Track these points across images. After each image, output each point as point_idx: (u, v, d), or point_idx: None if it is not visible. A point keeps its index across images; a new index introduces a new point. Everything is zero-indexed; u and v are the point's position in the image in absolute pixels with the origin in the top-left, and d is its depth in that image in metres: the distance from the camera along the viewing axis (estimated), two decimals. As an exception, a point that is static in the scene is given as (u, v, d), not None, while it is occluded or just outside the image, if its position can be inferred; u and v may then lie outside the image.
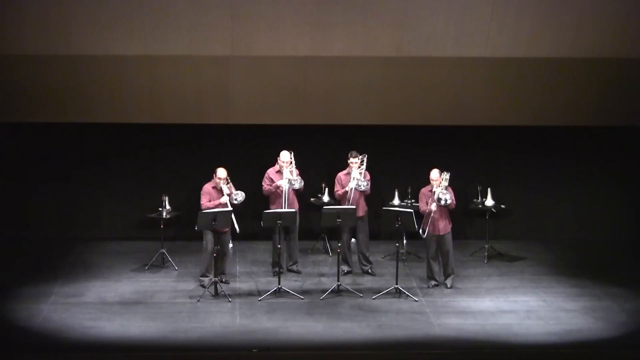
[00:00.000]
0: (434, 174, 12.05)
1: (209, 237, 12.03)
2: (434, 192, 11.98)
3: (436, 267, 12.25)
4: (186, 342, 10.57)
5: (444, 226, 12.11)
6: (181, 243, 13.43)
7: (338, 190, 12.53)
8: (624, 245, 14.02)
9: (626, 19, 12.67)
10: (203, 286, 12.07)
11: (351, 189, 12.34)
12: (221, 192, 12.08)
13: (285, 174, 12.28)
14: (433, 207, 11.95)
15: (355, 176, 12.30)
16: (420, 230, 12.00)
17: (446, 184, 11.97)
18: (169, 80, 13.07)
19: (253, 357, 10.35)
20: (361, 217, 12.55)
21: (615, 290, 12.13)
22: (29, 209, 13.91)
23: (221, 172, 12.08)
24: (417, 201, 13.18)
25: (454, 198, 12.04)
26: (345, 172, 12.57)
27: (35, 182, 13.84)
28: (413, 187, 13.35)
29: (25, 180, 13.83)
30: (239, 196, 12.07)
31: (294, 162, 12.38)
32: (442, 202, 11.88)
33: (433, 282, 12.26)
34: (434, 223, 12.08)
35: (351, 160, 12.42)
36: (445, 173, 12.00)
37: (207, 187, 12.16)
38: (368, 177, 12.46)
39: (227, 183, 12.11)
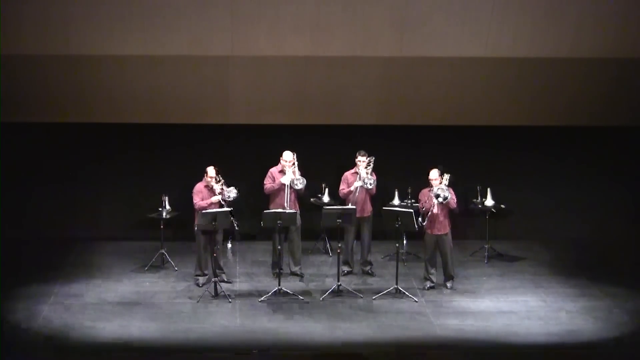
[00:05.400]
0: (433, 173, 12.02)
1: (201, 236, 12.04)
2: (432, 189, 11.96)
3: (433, 269, 12.22)
4: (186, 342, 10.56)
5: (443, 226, 12.05)
6: (181, 243, 13.42)
7: (344, 189, 12.51)
8: (624, 245, 14.01)
9: (626, 19, 12.68)
10: (198, 285, 12.12)
11: (356, 188, 12.32)
12: (213, 191, 12.08)
13: (288, 173, 12.26)
14: (435, 201, 11.91)
15: (362, 174, 12.30)
16: (420, 219, 11.98)
17: (446, 183, 11.94)
18: (168, 80, 13.08)
19: (253, 357, 10.35)
20: (367, 218, 12.56)
21: (615, 290, 12.13)
22: (29, 209, 13.91)
23: (210, 171, 12.07)
24: (417, 201, 13.21)
25: (454, 198, 12.01)
26: (352, 171, 12.56)
27: (35, 182, 13.84)
28: (413, 187, 13.36)
29: (26, 180, 13.83)
30: (232, 193, 12.05)
31: (296, 162, 12.36)
32: (440, 199, 11.82)
33: (429, 284, 12.20)
34: (433, 222, 12.05)
35: (359, 158, 12.40)
36: (446, 174, 11.98)
37: (199, 186, 12.16)
38: (374, 177, 12.45)
39: (219, 181, 12.10)
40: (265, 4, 12.47)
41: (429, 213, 11.95)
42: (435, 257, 12.19)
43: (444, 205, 11.93)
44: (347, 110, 13.56)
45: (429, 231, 12.10)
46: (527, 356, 10.49)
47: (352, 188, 12.36)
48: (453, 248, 12.21)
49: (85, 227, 13.93)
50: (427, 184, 12.18)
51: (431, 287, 12.17)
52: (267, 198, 12.49)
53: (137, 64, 12.84)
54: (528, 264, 13.31)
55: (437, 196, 11.83)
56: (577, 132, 14.06)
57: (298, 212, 12.23)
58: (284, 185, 12.22)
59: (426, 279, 12.23)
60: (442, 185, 11.88)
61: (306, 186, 12.30)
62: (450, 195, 11.85)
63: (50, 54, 12.58)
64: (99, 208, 13.99)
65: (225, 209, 11.83)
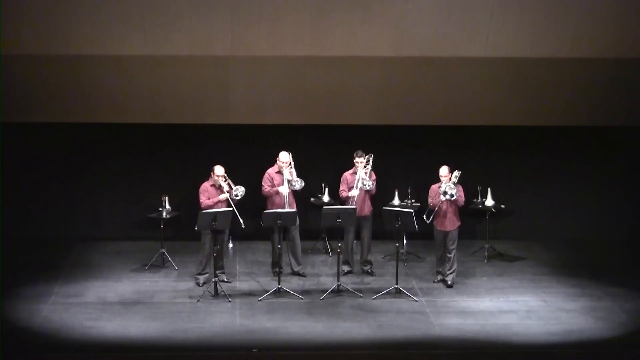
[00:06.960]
0: (443, 170, 12.07)
1: (207, 236, 12.04)
2: (441, 186, 12.00)
3: (442, 265, 12.30)
4: (186, 342, 10.57)
5: (451, 223, 12.13)
6: (181, 243, 13.43)
7: (343, 190, 12.51)
8: (624, 245, 14.01)
9: (626, 19, 12.67)
10: (198, 284, 12.12)
11: (353, 196, 12.32)
12: (219, 190, 12.08)
13: (285, 174, 12.26)
14: (442, 198, 11.94)
15: (361, 176, 12.30)
16: (425, 216, 12.02)
17: (455, 180, 11.98)
18: (169, 80, 13.07)
19: (253, 357, 10.36)
20: (366, 217, 12.55)
21: (615, 290, 12.14)
22: (29, 209, 13.90)
23: (218, 170, 12.08)
24: (417, 201, 13.23)
25: (462, 195, 12.09)
26: (351, 171, 12.56)
27: (35, 182, 13.84)
28: (413, 187, 13.37)
29: (26, 180, 13.83)
30: (239, 191, 12.05)
31: (292, 163, 12.36)
32: (448, 196, 11.88)
33: (439, 277, 12.34)
34: (441, 219, 12.11)
35: (357, 159, 12.40)
36: (456, 171, 12.01)
37: (206, 185, 12.17)
38: (374, 177, 12.45)
39: (226, 180, 12.11)
40: (265, 5, 12.47)
41: (437, 209, 12.01)
42: (445, 253, 12.24)
43: (452, 201, 11.96)
44: (347, 110, 13.56)
45: (437, 227, 12.16)
46: (527, 356, 10.50)
47: (349, 194, 12.36)
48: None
49: (86, 227, 13.93)
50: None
51: (440, 280, 12.28)
52: (266, 197, 12.48)
53: (137, 64, 12.84)
54: (528, 264, 13.31)
55: (445, 193, 11.88)
56: (577, 132, 14.06)
57: (296, 211, 12.23)
58: (283, 193, 12.23)
59: (438, 272, 12.36)
60: (450, 183, 11.93)
61: (303, 185, 12.33)
62: (457, 192, 11.89)
63: (50, 54, 12.58)
64: (99, 208, 13.99)
65: (227, 209, 11.83)
